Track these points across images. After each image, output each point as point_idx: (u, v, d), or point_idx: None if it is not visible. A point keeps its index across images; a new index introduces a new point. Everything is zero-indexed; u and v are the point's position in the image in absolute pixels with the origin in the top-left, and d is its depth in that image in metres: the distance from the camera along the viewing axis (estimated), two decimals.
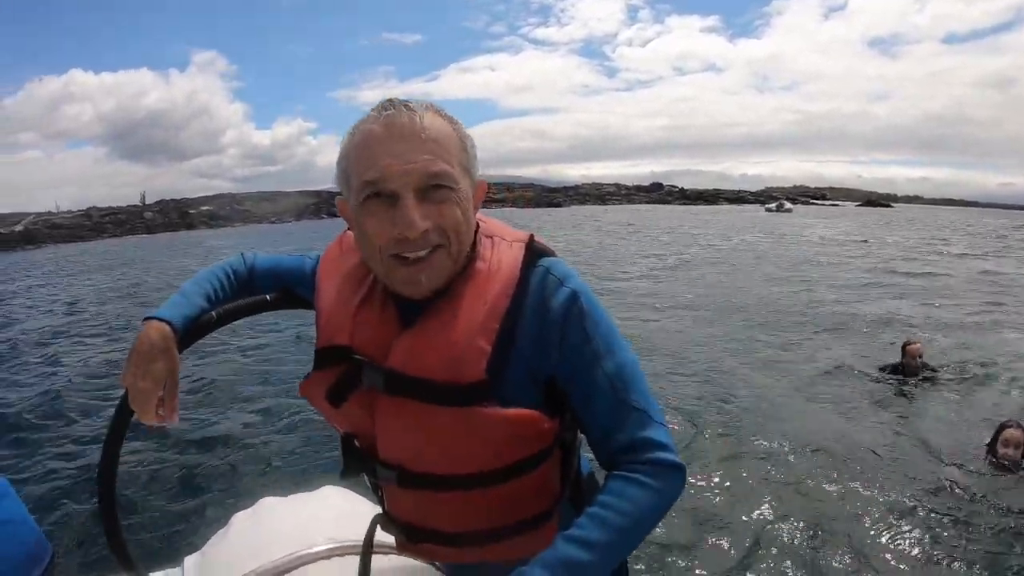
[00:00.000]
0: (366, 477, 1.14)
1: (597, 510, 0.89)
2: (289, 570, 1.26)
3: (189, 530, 3.96)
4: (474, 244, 1.03)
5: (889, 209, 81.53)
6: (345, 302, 1.05)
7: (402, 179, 0.91)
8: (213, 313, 1.13)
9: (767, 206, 75.81)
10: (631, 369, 0.97)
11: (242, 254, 1.27)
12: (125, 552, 1.15)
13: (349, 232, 1.12)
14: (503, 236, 1.05)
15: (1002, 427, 4.55)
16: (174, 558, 1.48)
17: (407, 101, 0.96)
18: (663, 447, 0.94)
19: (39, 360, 9.50)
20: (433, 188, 0.93)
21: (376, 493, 1.18)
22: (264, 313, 1.24)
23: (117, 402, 1.09)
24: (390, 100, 0.97)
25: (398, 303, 1.02)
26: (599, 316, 0.98)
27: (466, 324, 0.96)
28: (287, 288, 1.23)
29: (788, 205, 75.60)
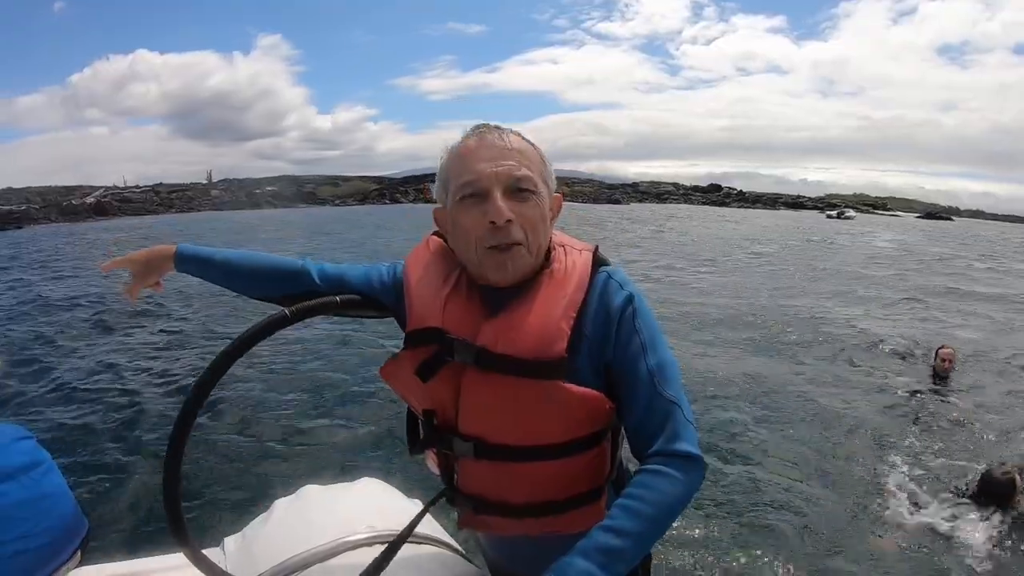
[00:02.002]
0: (429, 457, 1.31)
1: (628, 501, 0.99)
2: (329, 556, 1.29)
3: (229, 512, 4.05)
4: (549, 250, 1.19)
5: (950, 223, 78.43)
6: (435, 292, 1.19)
7: (492, 180, 1.10)
8: (287, 311, 1.18)
9: (828, 212, 74.13)
10: (670, 368, 1.11)
11: (307, 260, 1.36)
12: (181, 523, 1.15)
13: (432, 236, 1.29)
14: (573, 245, 1.22)
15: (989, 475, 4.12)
16: (214, 537, 1.51)
17: (497, 125, 1.17)
18: (688, 440, 1.05)
19: (101, 330, 9.86)
20: (518, 190, 1.11)
21: (443, 472, 1.27)
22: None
23: (193, 381, 1.13)
24: (483, 123, 1.17)
25: (482, 294, 1.17)
26: (648, 318, 1.13)
27: (549, 311, 1.11)
28: (357, 292, 1.29)
29: (851, 213, 73.53)
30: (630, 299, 1.12)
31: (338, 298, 1.25)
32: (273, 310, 1.19)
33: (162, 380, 6.96)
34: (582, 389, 1.08)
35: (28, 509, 1.05)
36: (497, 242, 1.09)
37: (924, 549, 3.76)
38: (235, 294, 1.41)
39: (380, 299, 1.28)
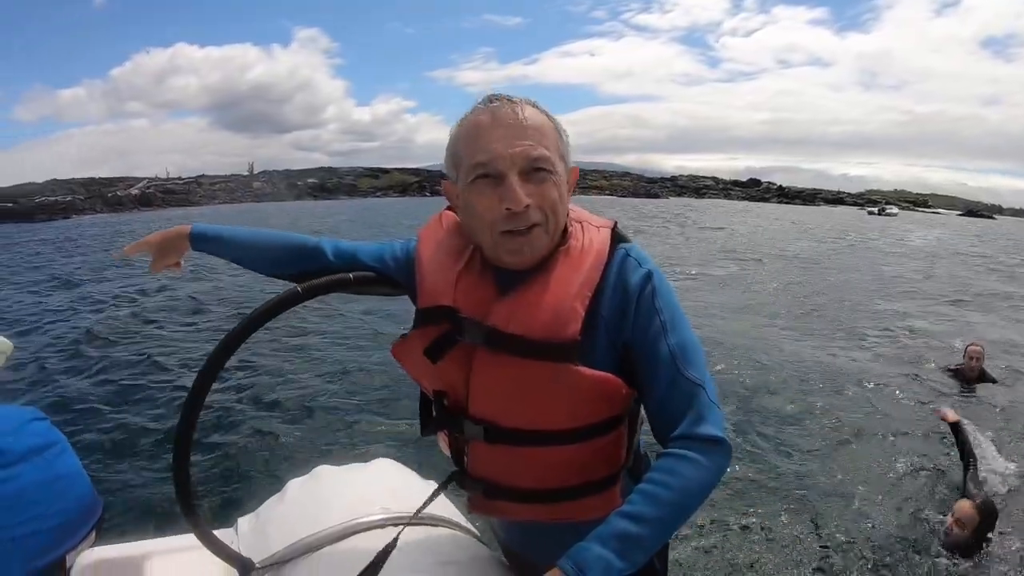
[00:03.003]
0: (441, 438, 1.27)
1: (648, 487, 0.96)
2: (343, 537, 1.29)
3: (243, 493, 4.10)
4: (566, 226, 1.14)
5: (992, 221, 75.85)
6: (447, 269, 1.16)
7: (508, 161, 1.05)
8: (298, 288, 1.19)
9: (869, 209, 72.79)
10: (692, 347, 1.07)
11: (320, 238, 1.35)
12: (191, 505, 1.18)
13: (447, 211, 1.26)
14: (591, 222, 1.18)
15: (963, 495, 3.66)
16: (228, 518, 1.53)
17: (509, 95, 1.11)
18: (713, 423, 1.01)
19: (114, 311, 10.07)
20: (534, 171, 1.06)
21: (453, 453, 1.26)
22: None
23: (199, 365, 1.15)
24: (495, 94, 1.12)
25: (495, 272, 1.14)
26: (668, 295, 1.09)
27: (563, 291, 1.08)
28: (370, 270, 1.29)
29: (894, 209, 71.99)
30: (648, 276, 1.09)
31: (351, 275, 1.24)
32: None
33: (177, 361, 7.09)
34: (597, 372, 1.06)
35: (42, 490, 1.06)
36: (514, 227, 1.06)
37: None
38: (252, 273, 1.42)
39: (393, 277, 1.27)
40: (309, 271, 1.28)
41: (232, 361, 1.20)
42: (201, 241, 1.37)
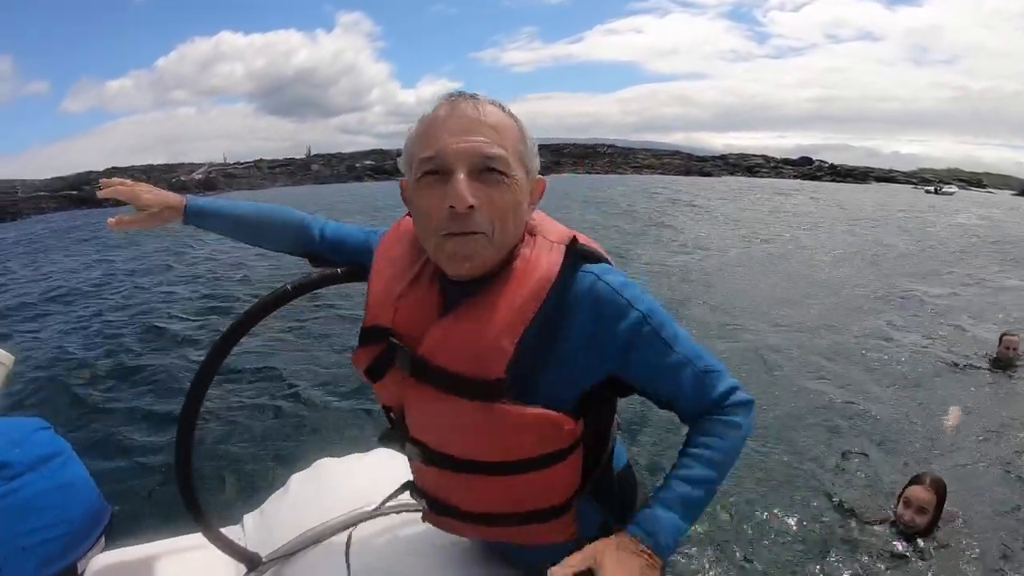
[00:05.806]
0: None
1: (701, 451, 1.01)
2: (346, 528, 1.33)
3: (247, 490, 4.11)
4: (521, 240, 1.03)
5: None
6: (393, 285, 1.09)
7: (457, 157, 0.94)
8: (288, 285, 1.20)
9: (925, 188, 69.77)
10: (695, 346, 1.04)
11: (312, 217, 1.32)
12: (197, 504, 1.21)
13: (406, 218, 1.14)
14: (547, 235, 1.05)
15: (911, 481, 3.42)
16: (233, 516, 1.57)
17: (474, 93, 1.01)
18: (738, 389, 1.06)
19: (113, 311, 9.92)
20: (487, 171, 0.95)
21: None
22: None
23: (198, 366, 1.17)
24: (458, 91, 1.01)
25: (443, 289, 1.05)
26: (665, 320, 1.02)
27: (493, 323, 0.97)
28: (356, 262, 1.26)
29: (952, 188, 68.48)
30: (644, 317, 0.99)
31: (340, 271, 1.26)
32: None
33: (179, 364, 6.96)
34: (531, 411, 0.98)
35: (50, 498, 1.10)
36: (456, 229, 0.94)
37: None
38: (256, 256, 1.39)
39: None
40: (296, 248, 1.30)
41: (227, 360, 1.22)
42: (196, 215, 1.26)
